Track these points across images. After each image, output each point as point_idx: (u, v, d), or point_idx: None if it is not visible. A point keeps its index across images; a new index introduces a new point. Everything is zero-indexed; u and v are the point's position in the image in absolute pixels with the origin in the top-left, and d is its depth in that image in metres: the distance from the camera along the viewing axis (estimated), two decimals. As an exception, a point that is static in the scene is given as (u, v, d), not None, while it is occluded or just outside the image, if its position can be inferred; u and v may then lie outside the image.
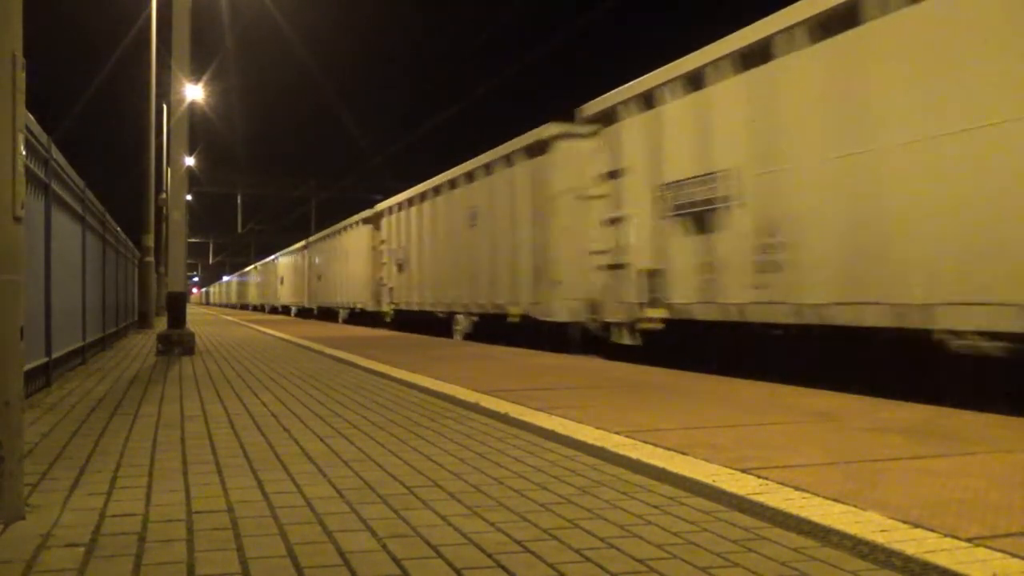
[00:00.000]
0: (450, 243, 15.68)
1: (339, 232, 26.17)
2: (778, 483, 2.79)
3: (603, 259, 9.66)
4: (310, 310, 31.05)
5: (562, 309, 10.99)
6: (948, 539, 2.16)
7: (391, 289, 20.05)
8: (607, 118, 9.68)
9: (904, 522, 2.31)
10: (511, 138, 13.32)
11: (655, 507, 2.55)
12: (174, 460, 3.30)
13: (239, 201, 64.44)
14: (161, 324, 14.54)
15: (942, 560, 1.99)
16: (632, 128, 9.16)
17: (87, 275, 8.56)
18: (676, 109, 8.35)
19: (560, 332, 11.05)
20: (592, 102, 10.00)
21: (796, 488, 2.71)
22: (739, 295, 7.35)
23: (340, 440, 3.77)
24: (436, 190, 16.64)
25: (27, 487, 2.70)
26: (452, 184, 15.60)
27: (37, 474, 3.01)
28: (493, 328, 13.31)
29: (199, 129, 45.53)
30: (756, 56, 7.23)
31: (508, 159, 12.90)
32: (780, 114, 6.96)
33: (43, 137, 5.90)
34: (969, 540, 2.14)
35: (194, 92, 23.34)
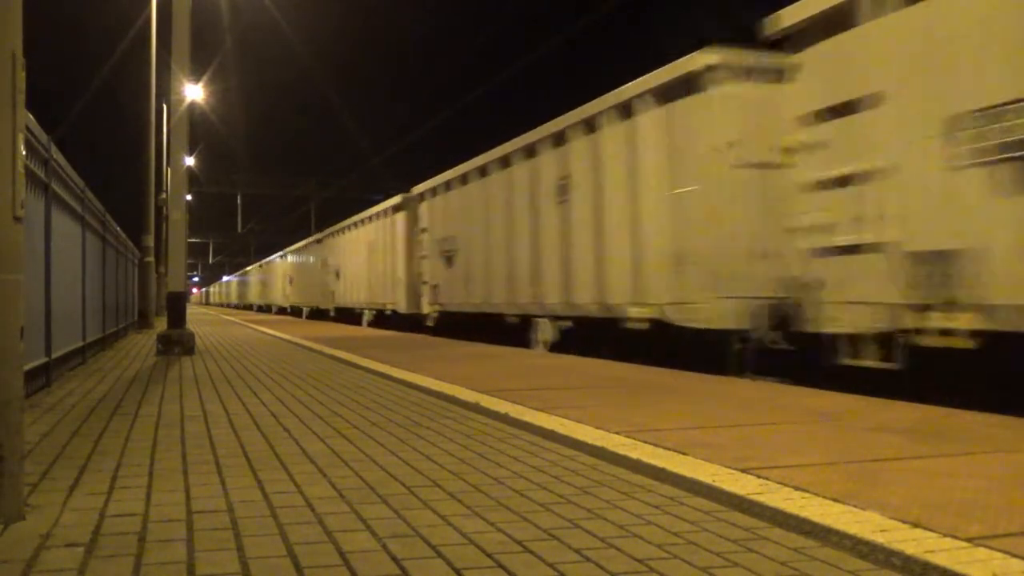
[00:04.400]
0: (527, 227, 12.24)
1: (362, 222, 22.84)
2: (778, 483, 2.79)
3: (821, 238, 6.47)
4: (326, 311, 28.20)
5: (721, 311, 7.87)
6: (948, 539, 2.15)
7: (435, 287, 16.64)
8: (824, 26, 6.45)
9: (904, 522, 2.31)
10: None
11: (655, 507, 2.55)
12: (174, 460, 3.30)
13: (239, 201, 64.50)
14: (161, 324, 14.54)
15: (942, 560, 1.99)
16: (894, 28, 5.91)
17: (87, 275, 8.56)
18: None
19: (713, 343, 8.06)
20: (791, 7, 6.73)
21: (796, 488, 2.71)
22: None
23: (340, 440, 3.77)
24: (504, 160, 13.09)
25: (27, 487, 2.70)
26: (529, 151, 12.12)
27: (37, 474, 3.01)
28: (598, 337, 10.19)
29: (199, 129, 45.55)
30: None
31: (625, 108, 9.50)
32: None
33: (43, 137, 5.90)
34: (969, 540, 2.14)
35: (194, 92, 23.26)
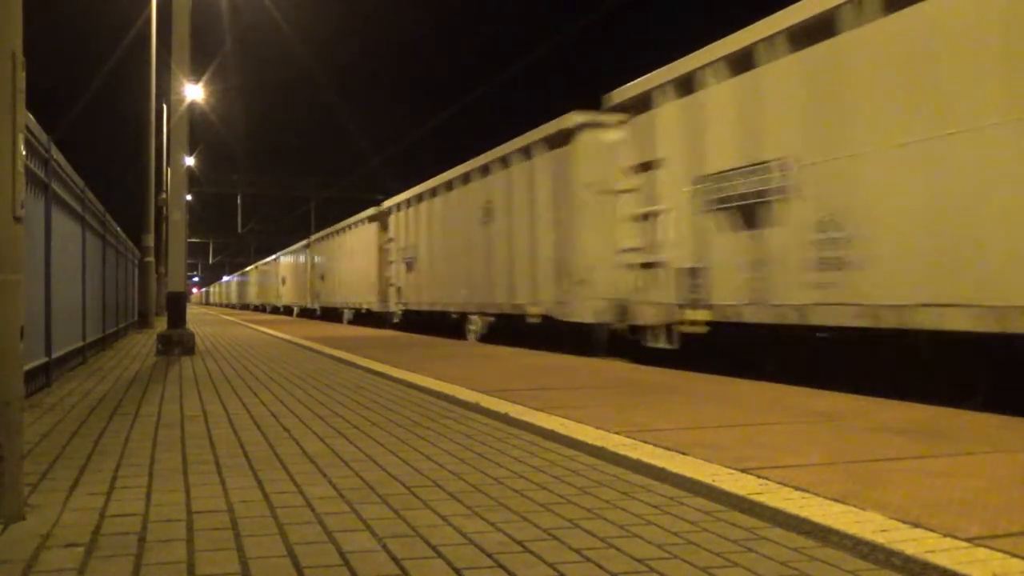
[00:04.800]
0: (463, 240, 14.98)
1: (343, 230, 25.54)
2: (778, 483, 2.79)
3: (634, 257, 9.03)
4: (313, 311, 30.51)
5: (587, 310, 10.34)
6: (948, 539, 2.15)
7: (399, 289, 19.41)
8: (639, 105, 9.05)
9: (904, 522, 2.31)
10: (512, 137, 13.11)
11: (655, 507, 2.55)
12: (174, 460, 3.30)
13: (239, 201, 64.48)
14: (161, 324, 14.54)
15: (942, 560, 1.99)
16: (668, 116, 8.51)
17: (87, 275, 8.56)
18: (720, 93, 7.75)
19: (583, 334, 10.51)
20: (622, 88, 9.36)
21: (796, 488, 2.71)
22: (797, 295, 6.73)
23: (340, 440, 3.77)
24: (448, 185, 15.95)
25: (27, 487, 2.70)
26: (466, 178, 14.92)
27: (37, 474, 3.01)
28: (510, 329, 12.80)
29: (199, 129, 45.54)
30: (815, 32, 6.56)
31: (527, 151, 12.25)
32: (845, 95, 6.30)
33: (43, 137, 5.90)
34: (969, 540, 2.14)
35: (194, 92, 23.28)
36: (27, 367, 4.74)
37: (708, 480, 2.84)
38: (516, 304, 12.54)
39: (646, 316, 8.79)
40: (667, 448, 3.42)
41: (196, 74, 24.36)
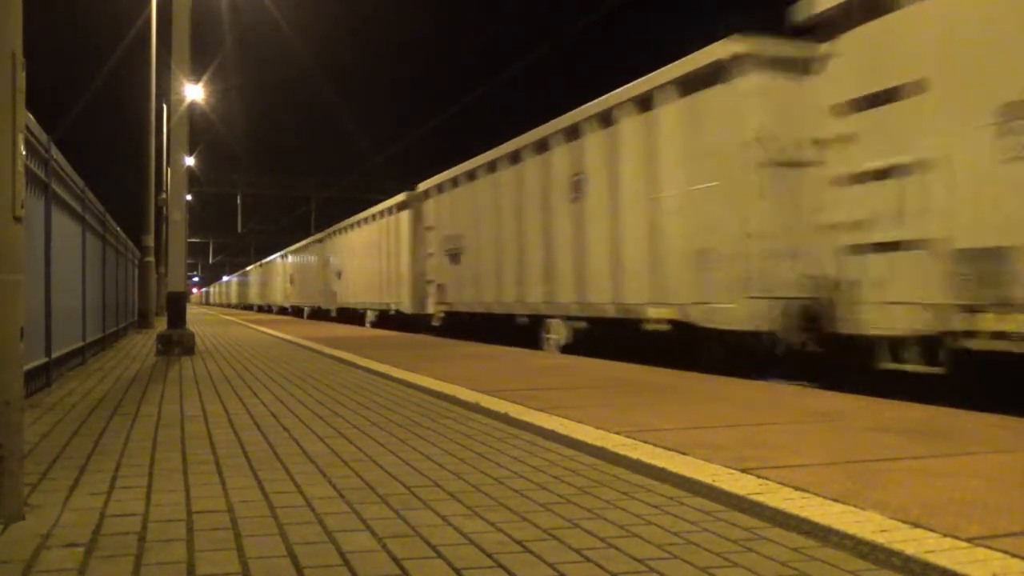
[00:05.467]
0: (537, 223, 12.01)
1: (366, 221, 22.57)
2: (778, 483, 2.79)
3: (855, 235, 6.17)
4: (327, 311, 28.01)
5: (747, 312, 7.54)
6: (948, 539, 2.15)
7: (441, 287, 16.23)
8: (857, 13, 6.16)
9: (904, 522, 2.31)
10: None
11: (655, 507, 2.55)
12: (174, 460, 3.30)
13: (239, 201, 64.47)
14: (161, 324, 14.54)
15: (942, 560, 1.99)
16: (930, 14, 5.61)
17: (87, 275, 8.57)
18: None
19: (736, 347, 7.85)
20: None
21: (796, 488, 2.71)
22: None
23: (340, 440, 3.77)
24: (514, 156, 12.75)
25: (27, 487, 2.70)
26: (541, 146, 11.81)
27: (37, 474, 3.01)
28: (614, 338, 9.90)
29: (199, 129, 45.52)
30: None
31: (644, 101, 9.19)
32: None
33: (43, 137, 5.90)
34: (969, 540, 2.14)
35: (194, 92, 23.24)
36: (27, 367, 4.74)
37: (708, 480, 2.84)
38: (625, 304, 9.55)
39: (882, 323, 5.97)
40: (667, 448, 3.42)
41: (196, 74, 24.30)
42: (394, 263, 19.72)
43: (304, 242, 34.80)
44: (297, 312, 35.98)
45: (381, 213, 21.06)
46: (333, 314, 27.18)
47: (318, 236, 30.86)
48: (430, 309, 17.04)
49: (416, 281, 18.01)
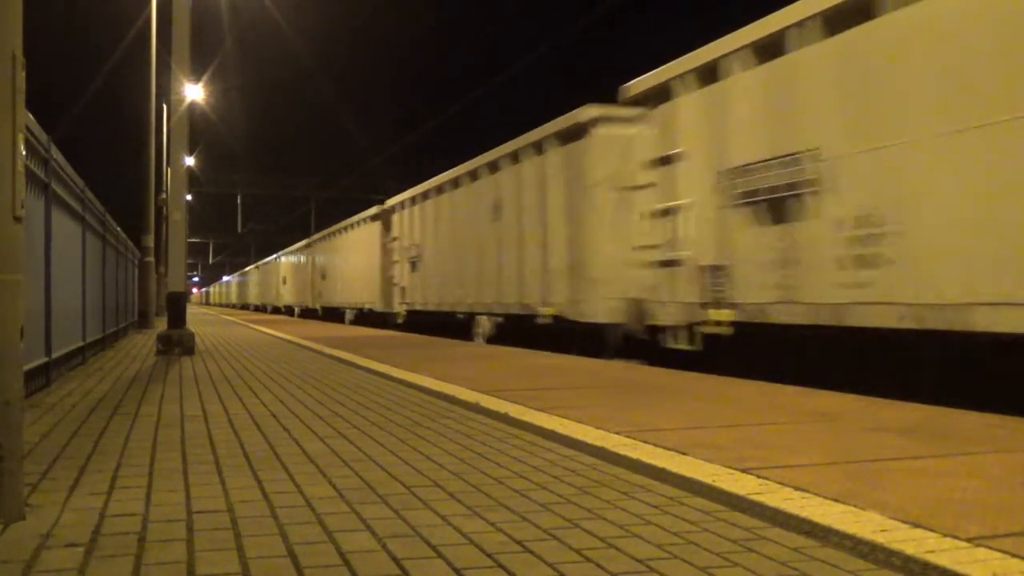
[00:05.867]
0: (471, 239, 14.63)
1: (345, 230, 25.36)
2: (778, 483, 2.79)
3: (652, 254, 8.70)
4: (314, 311, 30.56)
5: (601, 309, 10.00)
6: (948, 539, 2.15)
7: (403, 289, 19.12)
8: (658, 97, 8.64)
9: (904, 522, 2.31)
10: (512, 137, 13.08)
11: (655, 507, 2.55)
12: (174, 460, 3.30)
13: (239, 201, 64.48)
14: (161, 324, 14.54)
15: (942, 560, 1.99)
16: (689, 107, 8.13)
17: (87, 275, 8.57)
18: (746, 81, 7.36)
19: (595, 336, 10.15)
20: (639, 79, 8.98)
21: (796, 488, 2.71)
22: (830, 294, 6.33)
23: (340, 440, 3.77)
24: (455, 182, 15.61)
25: (27, 487, 2.70)
26: (473, 175, 14.57)
27: (37, 474, 3.01)
28: (519, 330, 12.42)
29: (199, 129, 45.51)
30: (851, 16, 6.20)
31: (538, 146, 11.89)
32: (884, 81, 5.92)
33: (43, 137, 5.90)
34: (969, 540, 2.14)
35: (194, 92, 23.29)
36: (27, 367, 4.74)
37: (708, 480, 2.84)
38: (526, 304, 12.27)
39: (665, 316, 8.44)
40: (667, 448, 3.42)
41: (196, 74, 24.35)
42: (368, 268, 22.40)
43: (295, 246, 37.00)
44: (289, 311, 37.63)
45: (359, 222, 23.82)
46: (319, 313, 29.48)
47: (306, 241, 33.80)
48: (395, 308, 19.91)
49: (385, 284, 20.78)
